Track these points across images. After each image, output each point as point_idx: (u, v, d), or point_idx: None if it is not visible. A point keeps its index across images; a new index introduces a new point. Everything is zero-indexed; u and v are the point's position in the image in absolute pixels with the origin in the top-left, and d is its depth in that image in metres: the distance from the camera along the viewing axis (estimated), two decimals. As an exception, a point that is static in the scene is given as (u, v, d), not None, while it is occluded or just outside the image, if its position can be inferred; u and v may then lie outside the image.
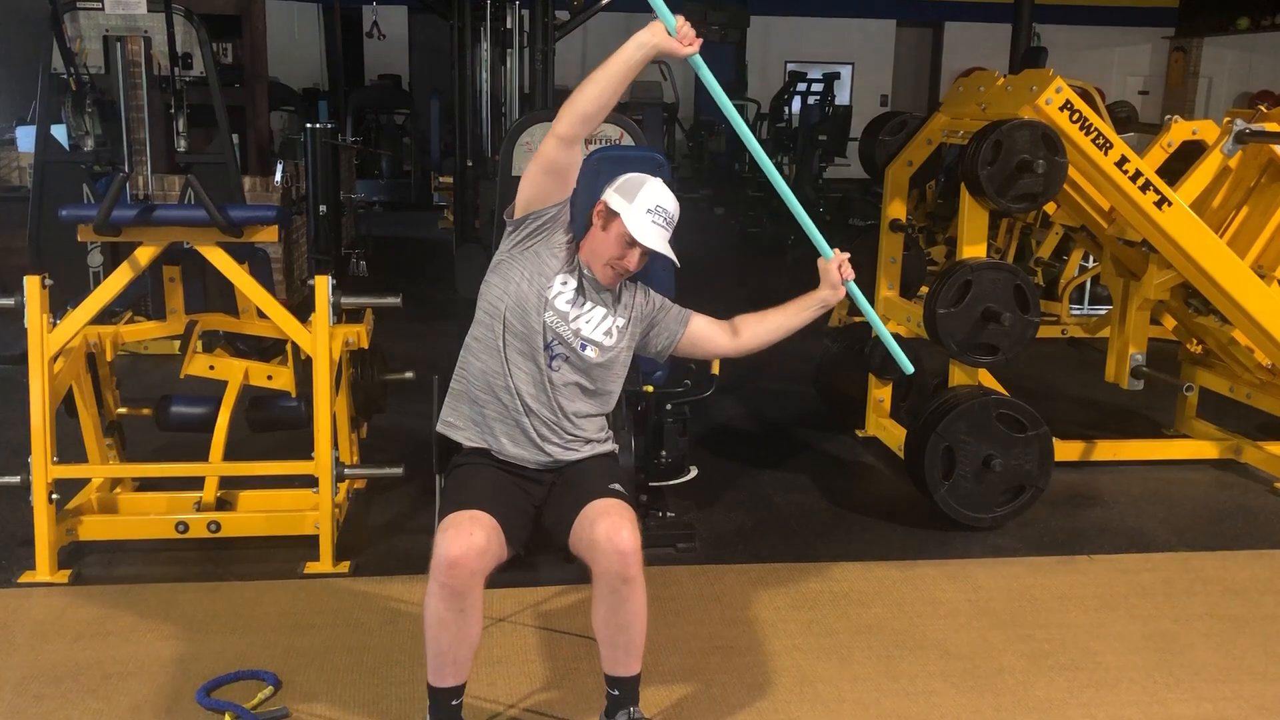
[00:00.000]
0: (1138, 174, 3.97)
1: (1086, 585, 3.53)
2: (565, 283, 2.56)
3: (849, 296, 2.74)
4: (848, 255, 2.72)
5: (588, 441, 2.61)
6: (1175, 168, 4.51)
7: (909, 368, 2.95)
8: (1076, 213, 4.69)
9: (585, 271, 2.60)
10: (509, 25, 8.16)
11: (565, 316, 2.55)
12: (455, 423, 2.61)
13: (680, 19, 2.37)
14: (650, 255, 2.59)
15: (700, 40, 2.38)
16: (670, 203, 2.59)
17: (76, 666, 2.89)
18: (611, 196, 2.58)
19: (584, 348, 2.56)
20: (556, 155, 2.45)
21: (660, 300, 2.74)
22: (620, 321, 2.62)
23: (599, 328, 2.59)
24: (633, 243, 2.54)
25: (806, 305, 2.75)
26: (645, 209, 2.54)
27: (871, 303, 4.88)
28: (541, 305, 2.53)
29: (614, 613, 2.39)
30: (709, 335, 2.78)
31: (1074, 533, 3.97)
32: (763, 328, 2.77)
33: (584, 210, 2.70)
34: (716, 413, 5.21)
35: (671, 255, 2.60)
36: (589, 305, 2.58)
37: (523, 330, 2.53)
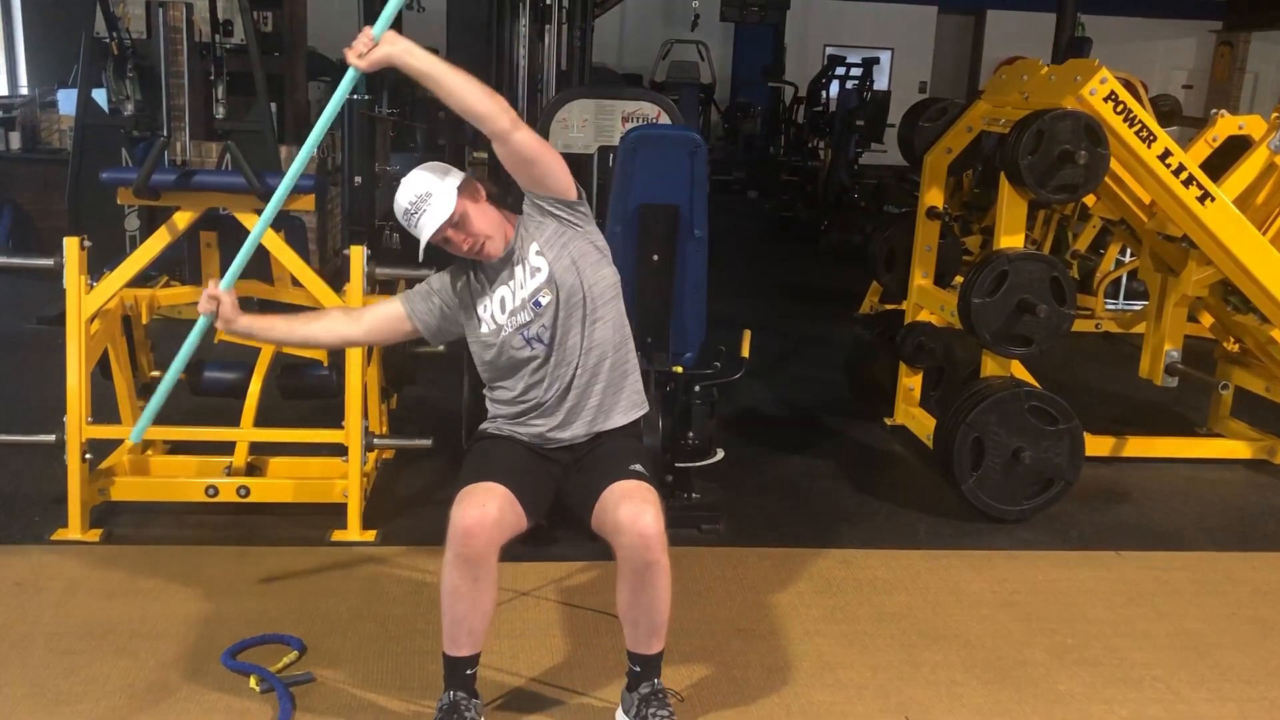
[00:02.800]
0: (1181, 168, 3.91)
1: (1113, 581, 3.50)
2: (485, 305, 2.54)
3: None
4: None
5: (613, 408, 2.58)
6: (1218, 163, 4.44)
7: None
8: (1116, 206, 4.63)
9: (487, 269, 2.54)
10: (548, 1, 8.13)
11: (512, 318, 2.52)
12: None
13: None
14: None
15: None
16: (405, 195, 2.43)
17: (106, 624, 2.93)
18: None
19: (538, 304, 2.50)
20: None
21: (528, 207, 2.57)
22: (534, 249, 2.51)
23: (530, 281, 2.50)
24: (442, 243, 2.46)
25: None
26: (404, 222, 2.45)
27: (905, 292, 4.85)
28: (494, 337, 2.53)
29: (637, 595, 2.40)
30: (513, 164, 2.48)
31: (1102, 528, 3.94)
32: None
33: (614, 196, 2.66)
34: (745, 396, 5.19)
35: (441, 218, 2.40)
36: (511, 286, 2.52)
37: (506, 365, 2.55)
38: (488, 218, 2.48)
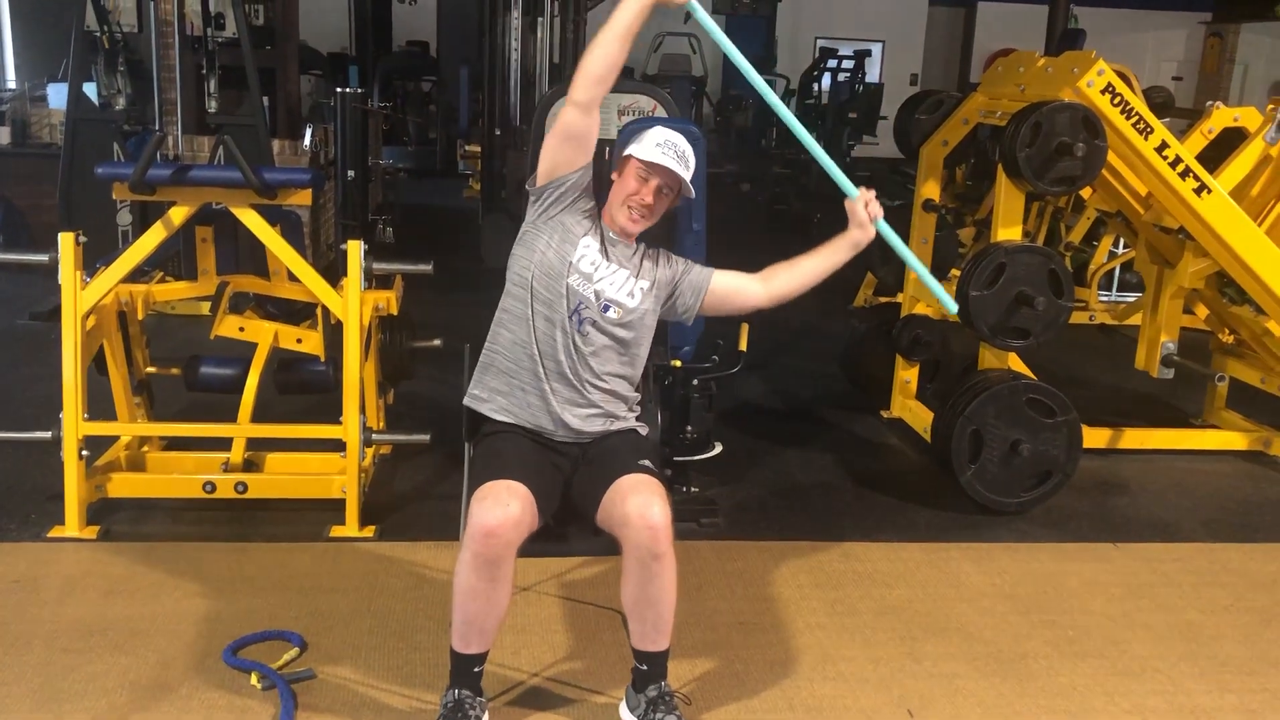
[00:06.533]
0: (1177, 160, 3.91)
1: (1112, 573, 3.51)
2: (589, 246, 2.57)
3: (881, 239, 2.65)
4: (874, 192, 2.64)
5: (613, 415, 2.59)
6: (1212, 155, 4.45)
7: (953, 306, 2.85)
8: (1113, 198, 4.64)
9: (608, 233, 2.61)
10: (540, -6, 8.12)
11: (589, 278, 2.55)
12: (482, 395, 2.61)
13: None
14: (673, 213, 2.67)
15: None
16: (680, 140, 2.61)
17: (105, 622, 2.91)
18: (626, 146, 2.63)
19: (606, 309, 2.54)
20: (574, 121, 2.50)
21: (683, 263, 2.71)
22: (644, 284, 2.60)
23: (621, 289, 2.57)
24: (646, 172, 2.55)
25: (837, 248, 2.66)
26: (655, 143, 2.57)
27: (901, 284, 4.86)
28: (565, 269, 2.54)
29: (644, 588, 2.39)
30: (736, 288, 2.70)
31: (1100, 520, 3.95)
32: (795, 273, 2.69)
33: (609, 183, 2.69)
34: (742, 390, 5.19)
35: (685, 175, 2.58)
36: (612, 267, 2.58)
37: (549, 297, 2.54)
38: (658, 215, 2.63)
